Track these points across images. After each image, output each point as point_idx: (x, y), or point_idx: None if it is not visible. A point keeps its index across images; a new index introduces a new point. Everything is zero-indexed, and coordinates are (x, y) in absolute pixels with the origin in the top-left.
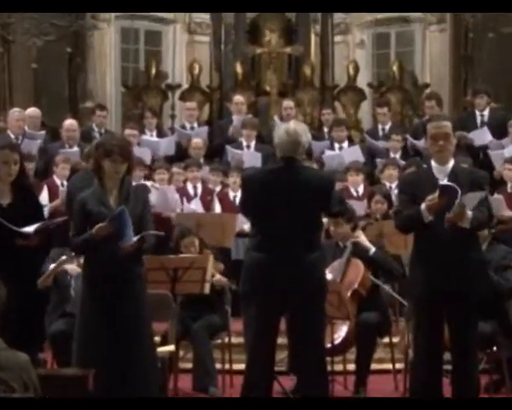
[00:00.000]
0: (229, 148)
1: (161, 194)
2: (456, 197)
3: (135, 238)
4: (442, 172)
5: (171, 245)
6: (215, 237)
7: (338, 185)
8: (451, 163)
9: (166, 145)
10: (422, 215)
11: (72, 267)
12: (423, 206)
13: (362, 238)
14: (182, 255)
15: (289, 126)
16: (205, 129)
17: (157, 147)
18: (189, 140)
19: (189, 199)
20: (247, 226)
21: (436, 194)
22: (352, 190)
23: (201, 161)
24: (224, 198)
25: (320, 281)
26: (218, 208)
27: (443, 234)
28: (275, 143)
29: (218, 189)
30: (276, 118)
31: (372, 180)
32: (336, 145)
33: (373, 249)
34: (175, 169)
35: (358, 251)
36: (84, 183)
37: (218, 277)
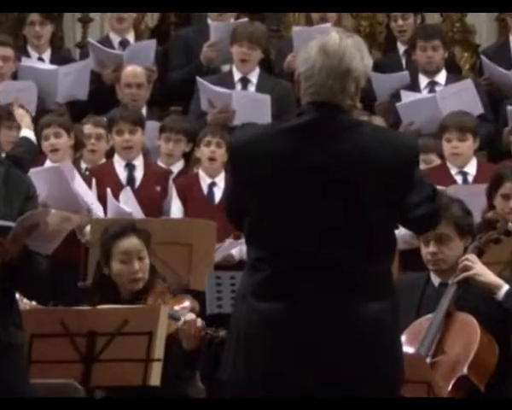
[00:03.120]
0: (203, 83)
1: (56, 179)
2: None
3: None
4: None
5: (81, 284)
6: (173, 270)
7: (425, 161)
8: None
9: (71, 80)
10: None
11: None
12: None
13: (478, 269)
14: (105, 306)
15: (328, 40)
16: (151, 45)
17: (51, 82)
18: (119, 67)
19: (117, 189)
20: (237, 250)
21: None
22: (454, 173)
23: (144, 111)
24: (189, 188)
25: (391, 368)
26: (176, 209)
27: None
28: (299, 72)
29: (176, 169)
30: (295, 30)
31: (494, 151)
32: (423, 80)
33: (505, 289)
34: (88, 128)
35: (470, 296)
36: None
37: (189, 317)
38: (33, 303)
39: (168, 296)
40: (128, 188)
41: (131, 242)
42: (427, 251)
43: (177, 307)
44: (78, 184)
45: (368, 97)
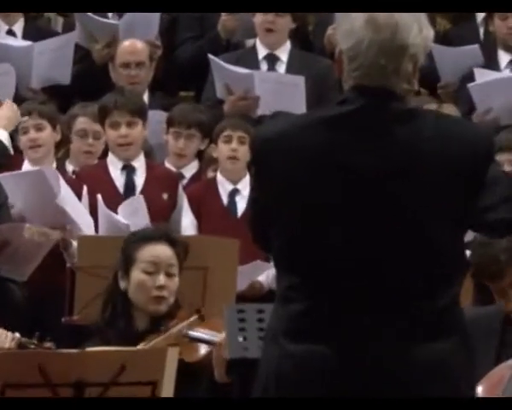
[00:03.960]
0: (218, 63)
1: (37, 186)
2: None
3: None
4: None
5: (66, 320)
6: (182, 300)
7: (503, 157)
8: None
9: (50, 58)
10: None
11: None
12: None
13: None
14: (98, 349)
15: (378, 15)
16: (154, 18)
17: (24, 62)
18: (113, 42)
19: (112, 198)
20: (266, 276)
21: None
22: None
23: (146, 98)
24: (204, 197)
25: None
26: (188, 224)
27: None
28: (340, 50)
29: (188, 173)
30: None
31: None
32: (503, 57)
33: None
34: (83, 123)
35: None
36: None
37: (224, 340)
38: (17, 335)
39: (196, 322)
40: (140, 196)
41: (163, 250)
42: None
43: (206, 330)
44: (65, 193)
45: (430, 78)
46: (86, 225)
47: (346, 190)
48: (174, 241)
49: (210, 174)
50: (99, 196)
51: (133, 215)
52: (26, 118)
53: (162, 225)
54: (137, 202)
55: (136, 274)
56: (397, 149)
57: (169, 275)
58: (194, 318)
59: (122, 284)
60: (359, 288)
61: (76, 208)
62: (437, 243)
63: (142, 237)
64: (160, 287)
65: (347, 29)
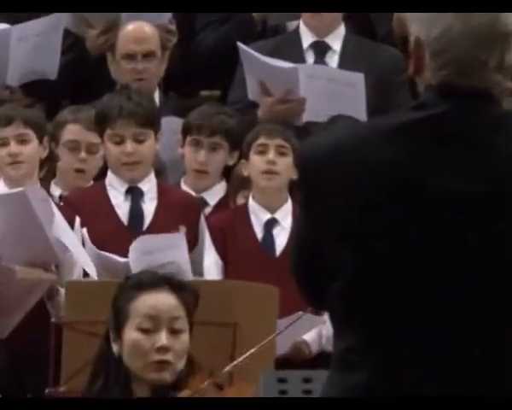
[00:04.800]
0: (250, 53)
1: (17, 211)
2: None
3: None
4: None
5: (50, 391)
6: (205, 365)
7: None
8: None
9: (32, 47)
10: None
11: None
12: None
13: None
14: None
15: None
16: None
17: (0, 51)
18: (113, 26)
19: (113, 230)
20: (315, 334)
21: None
22: None
23: (156, 99)
24: (233, 230)
25: None
26: (212, 265)
27: None
28: (417, 39)
29: (212, 198)
30: None
31: None
32: None
33: None
34: (73, 132)
35: None
36: None
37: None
38: None
39: (212, 391)
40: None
41: (163, 299)
42: None
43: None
44: (59, 223)
45: None
46: (86, 265)
47: (428, 221)
48: (179, 286)
49: (240, 200)
50: (84, 231)
51: (148, 255)
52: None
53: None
54: (176, 239)
55: (130, 333)
56: (495, 167)
57: (173, 332)
58: (206, 385)
59: (115, 347)
60: (442, 350)
61: (71, 241)
62: None
63: (136, 284)
64: (162, 349)
65: (428, 14)
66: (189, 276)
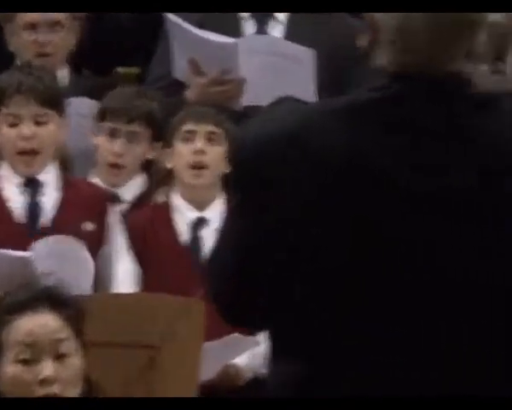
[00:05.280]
0: (180, 25)
1: None
2: None
3: None
4: None
5: None
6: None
7: None
8: None
9: None
10: None
11: None
12: None
13: None
14: None
15: None
16: None
17: None
18: None
19: (9, 231)
20: (248, 357)
21: None
22: None
23: (64, 77)
24: (153, 232)
25: None
26: (127, 273)
27: None
28: (375, 20)
29: (129, 194)
30: None
31: None
32: None
33: None
34: None
35: None
36: None
37: None
38: None
39: None
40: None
41: (41, 320)
42: None
43: None
44: None
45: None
46: None
47: (375, 206)
48: (61, 302)
49: (162, 197)
50: None
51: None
52: None
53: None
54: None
55: (9, 367)
56: (472, 154)
57: (59, 357)
58: None
59: None
60: (390, 340)
61: None
62: None
63: (8, 307)
64: (46, 381)
65: None
66: (87, 288)
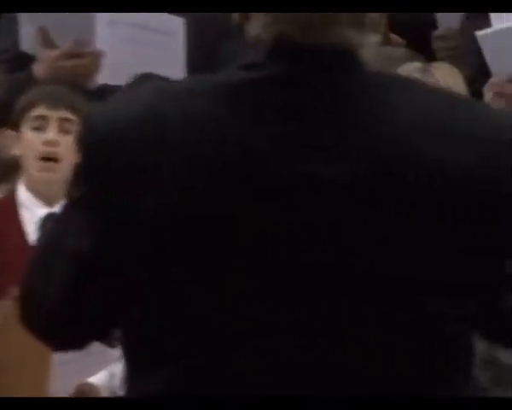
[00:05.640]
0: None
1: None
2: None
3: None
4: None
5: None
6: None
7: None
8: None
9: None
10: None
11: None
12: None
13: None
14: None
15: None
16: None
17: None
18: None
19: None
20: (103, 376)
21: None
22: None
23: None
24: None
25: None
26: None
27: None
28: None
29: None
30: None
31: None
32: None
33: None
34: None
35: None
36: None
37: None
38: None
39: None
40: None
41: None
42: None
43: None
44: None
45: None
46: None
47: (271, 219)
48: None
49: (5, 188)
50: None
51: None
52: None
53: None
54: None
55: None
56: (359, 144)
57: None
58: None
59: None
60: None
61: None
62: (431, 315)
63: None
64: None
65: None
66: None
